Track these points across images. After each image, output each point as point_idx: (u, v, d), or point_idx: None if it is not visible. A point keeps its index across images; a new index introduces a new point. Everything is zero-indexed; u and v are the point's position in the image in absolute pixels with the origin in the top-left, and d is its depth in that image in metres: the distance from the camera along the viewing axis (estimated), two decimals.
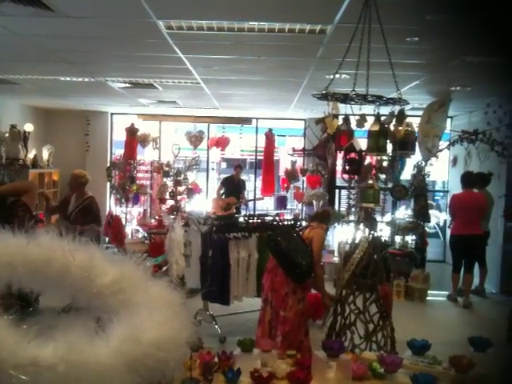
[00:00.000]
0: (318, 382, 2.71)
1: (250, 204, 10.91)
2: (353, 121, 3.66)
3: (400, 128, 3.06)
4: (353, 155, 3.29)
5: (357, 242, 4.40)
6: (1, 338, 1.61)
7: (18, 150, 6.30)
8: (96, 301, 1.98)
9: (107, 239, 9.40)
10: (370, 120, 3.45)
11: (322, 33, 4.51)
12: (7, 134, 6.35)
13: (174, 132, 12.74)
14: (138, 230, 9.65)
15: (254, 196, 11.27)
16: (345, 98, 3.21)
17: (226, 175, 11.16)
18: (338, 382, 2.77)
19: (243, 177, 10.92)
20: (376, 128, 3.07)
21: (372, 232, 4.27)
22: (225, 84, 7.16)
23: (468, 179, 7.63)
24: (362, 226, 4.39)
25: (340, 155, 4.07)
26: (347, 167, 3.41)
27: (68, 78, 7.02)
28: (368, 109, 4.18)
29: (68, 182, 6.51)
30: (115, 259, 2.08)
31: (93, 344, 1.68)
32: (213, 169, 12.65)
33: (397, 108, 3.44)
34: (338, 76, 6.27)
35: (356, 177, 5.78)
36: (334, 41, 4.67)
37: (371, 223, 4.30)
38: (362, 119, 3.21)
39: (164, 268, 2.30)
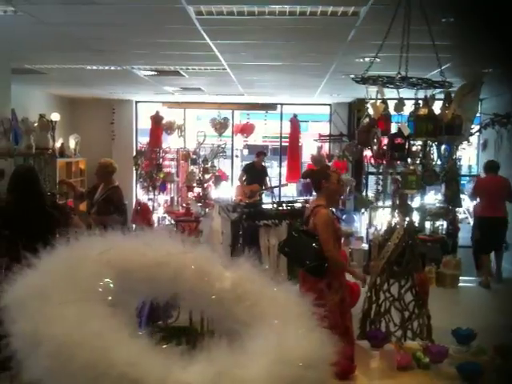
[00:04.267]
0: (362, 372, 2.66)
1: (275, 190, 10.83)
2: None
3: (447, 111, 2.95)
4: (399, 140, 3.18)
5: (390, 228, 4.32)
6: (147, 360, 1.43)
7: (47, 139, 6.32)
8: (218, 309, 1.78)
9: (134, 227, 9.46)
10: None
11: (354, 15, 4.40)
12: (36, 124, 6.36)
13: (197, 119, 12.71)
14: (164, 218, 9.67)
15: (279, 182, 11.18)
16: (388, 82, 3.11)
17: (248, 162, 11.07)
18: (381, 372, 2.71)
19: (265, 163, 10.79)
20: (425, 112, 2.96)
21: (407, 218, 4.19)
22: (251, 70, 7.08)
23: (492, 165, 7.97)
24: (396, 212, 4.31)
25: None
26: (393, 153, 3.25)
27: (94, 67, 7.01)
28: (394, 93, 4.05)
29: (95, 171, 6.51)
30: (227, 261, 1.87)
31: (241, 365, 1.47)
32: (237, 156, 12.59)
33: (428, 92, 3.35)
34: (367, 59, 6.21)
35: (384, 162, 5.58)
36: (367, 23, 4.55)
37: (407, 209, 4.21)
38: (400, 103, 3.12)
39: None
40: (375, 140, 3.23)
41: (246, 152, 15.46)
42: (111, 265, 1.68)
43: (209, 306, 1.80)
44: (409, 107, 3.40)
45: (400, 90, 3.59)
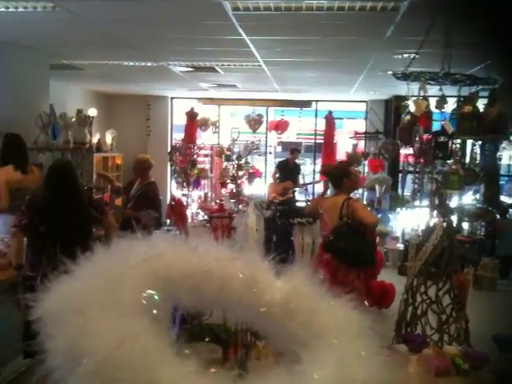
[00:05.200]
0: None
1: (309, 188, 10.73)
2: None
3: (491, 109, 2.83)
4: (443, 139, 3.08)
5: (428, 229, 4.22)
6: None
7: (84, 134, 6.41)
8: (268, 324, 1.61)
9: (168, 222, 9.52)
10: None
11: (394, 10, 4.29)
12: (74, 119, 6.45)
13: (231, 116, 12.71)
14: (198, 214, 9.69)
15: (313, 179, 11.08)
16: (431, 78, 3.01)
17: (281, 159, 11.00)
18: (419, 377, 2.64)
19: (298, 161, 10.69)
20: (469, 109, 2.85)
21: (446, 219, 4.08)
22: (287, 66, 7.02)
23: None
24: (435, 212, 4.21)
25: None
26: (436, 152, 3.15)
27: (131, 63, 7.06)
28: (433, 90, 3.93)
29: (132, 166, 6.57)
30: (278, 270, 1.68)
31: None
32: (270, 153, 12.53)
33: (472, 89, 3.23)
34: (406, 56, 6.08)
35: (422, 161, 5.47)
36: (406, 19, 4.43)
37: (446, 210, 4.10)
38: (442, 101, 3.01)
39: None
40: (417, 138, 3.13)
41: (279, 149, 15.41)
42: (155, 274, 1.52)
43: (257, 320, 1.65)
44: (450, 105, 3.30)
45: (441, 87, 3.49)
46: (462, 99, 3.08)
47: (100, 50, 6.40)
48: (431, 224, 4.25)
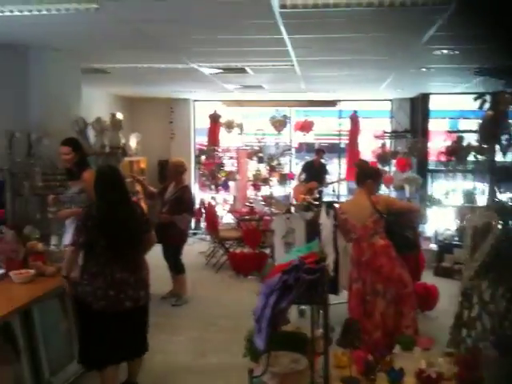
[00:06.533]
0: None
1: (335, 187, 10.63)
2: None
3: None
4: None
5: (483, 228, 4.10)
6: None
7: (118, 138, 6.37)
8: None
9: (195, 225, 9.46)
10: None
11: (443, 4, 4.18)
12: (107, 123, 6.41)
13: (255, 117, 12.62)
14: (222, 217, 9.62)
15: (338, 178, 10.98)
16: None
17: (308, 160, 10.90)
18: None
19: (324, 161, 10.59)
20: None
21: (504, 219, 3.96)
22: (318, 65, 6.93)
23: None
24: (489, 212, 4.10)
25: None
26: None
27: (163, 65, 7.00)
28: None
29: (167, 170, 6.53)
30: None
31: None
32: (292, 154, 12.44)
33: None
34: (445, 52, 5.97)
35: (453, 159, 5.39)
36: (455, 14, 4.32)
37: (503, 209, 3.99)
38: None
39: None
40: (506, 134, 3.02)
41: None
42: None
43: None
44: None
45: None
46: None
47: (132, 53, 6.33)
48: (482, 224, 4.09)
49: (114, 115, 6.41)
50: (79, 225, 3.58)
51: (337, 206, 5.35)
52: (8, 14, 4.47)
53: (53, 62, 5.90)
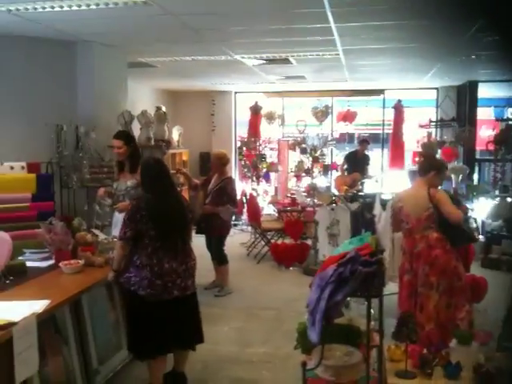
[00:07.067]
0: None
1: (378, 179, 10.44)
2: None
3: None
4: None
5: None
6: None
7: (163, 130, 6.41)
8: None
9: (235, 216, 9.48)
10: None
11: None
12: (153, 116, 6.46)
13: (295, 108, 12.54)
14: (268, 208, 9.60)
15: (381, 170, 10.79)
16: None
17: (351, 150, 10.74)
18: None
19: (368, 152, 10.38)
20: None
21: None
22: (364, 54, 6.81)
23: None
24: None
25: None
26: None
27: (206, 58, 7.01)
28: None
29: (210, 162, 6.54)
30: None
31: None
32: (335, 145, 12.28)
33: None
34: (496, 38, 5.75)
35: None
36: None
37: None
38: None
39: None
40: None
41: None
42: None
43: None
44: None
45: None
46: None
47: (177, 46, 6.37)
48: None
49: (159, 108, 6.47)
50: (127, 219, 3.61)
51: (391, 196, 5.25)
52: (58, 9, 4.56)
53: (100, 57, 5.99)
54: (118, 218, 4.59)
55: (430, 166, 4.50)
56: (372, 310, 2.26)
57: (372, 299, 2.34)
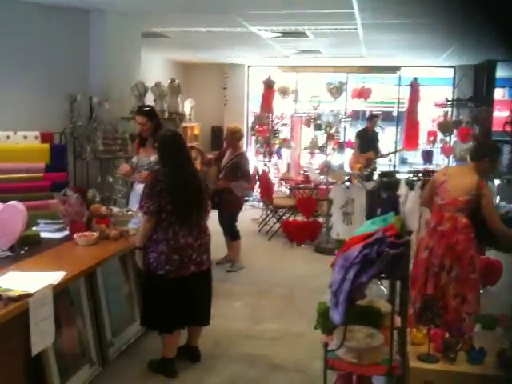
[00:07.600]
0: None
1: (391, 157, 10.30)
2: None
3: None
4: None
5: None
6: None
7: (177, 103, 6.32)
8: None
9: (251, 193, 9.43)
10: None
11: None
12: (166, 88, 6.36)
13: (310, 83, 12.36)
14: (280, 185, 9.53)
15: (395, 149, 10.64)
16: None
17: (361, 128, 10.51)
18: None
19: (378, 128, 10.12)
20: None
21: None
22: (383, 29, 6.64)
23: None
24: None
25: None
26: None
27: (221, 29, 6.87)
28: None
29: (224, 136, 6.46)
30: None
31: None
32: (350, 121, 12.08)
33: None
34: None
35: None
36: None
37: None
38: None
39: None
40: None
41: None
42: None
43: None
44: None
45: None
46: None
47: (191, 16, 6.24)
48: None
49: (173, 80, 6.36)
50: (148, 192, 3.55)
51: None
52: None
53: (114, 25, 5.88)
54: (137, 191, 4.54)
55: (483, 152, 4.09)
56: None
57: None
